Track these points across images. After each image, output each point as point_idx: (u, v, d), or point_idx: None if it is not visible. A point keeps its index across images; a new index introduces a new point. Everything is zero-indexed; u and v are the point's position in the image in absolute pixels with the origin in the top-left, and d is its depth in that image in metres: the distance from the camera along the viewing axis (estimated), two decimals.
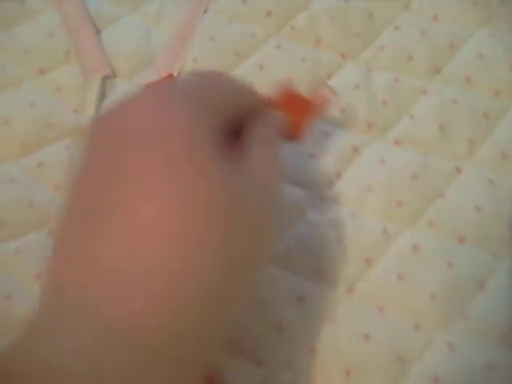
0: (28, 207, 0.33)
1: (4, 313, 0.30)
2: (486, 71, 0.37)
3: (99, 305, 0.16)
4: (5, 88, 0.38)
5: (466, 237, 0.32)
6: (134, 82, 0.38)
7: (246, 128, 0.22)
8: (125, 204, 0.17)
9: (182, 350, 0.17)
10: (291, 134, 0.27)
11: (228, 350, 0.28)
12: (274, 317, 0.29)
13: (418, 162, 0.34)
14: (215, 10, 0.40)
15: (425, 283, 0.30)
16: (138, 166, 0.17)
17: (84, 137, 0.19)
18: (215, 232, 0.17)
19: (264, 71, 0.37)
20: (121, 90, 0.38)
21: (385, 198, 0.33)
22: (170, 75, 0.37)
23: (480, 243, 0.32)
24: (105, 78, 0.38)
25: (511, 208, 0.32)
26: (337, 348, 0.29)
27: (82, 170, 0.18)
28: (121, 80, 0.38)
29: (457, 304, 0.30)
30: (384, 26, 0.39)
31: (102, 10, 0.41)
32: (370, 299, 0.30)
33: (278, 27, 0.39)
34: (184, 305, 0.16)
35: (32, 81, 0.38)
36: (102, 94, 0.37)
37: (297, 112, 0.27)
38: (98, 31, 0.40)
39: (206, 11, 0.40)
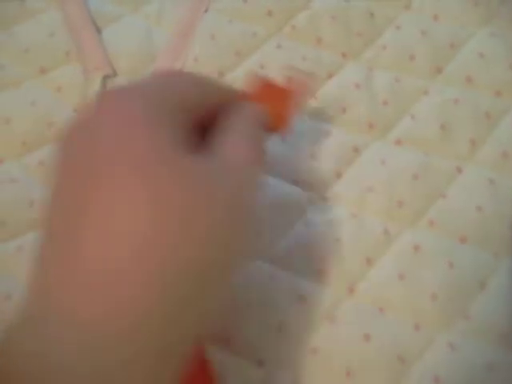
0: (28, 207, 0.33)
1: (4, 313, 0.30)
2: (487, 71, 0.37)
3: (75, 306, 0.16)
4: (5, 87, 0.38)
5: (467, 237, 0.32)
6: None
7: (219, 123, 0.22)
8: (99, 207, 0.17)
9: (156, 351, 0.17)
10: (275, 124, 0.26)
11: (228, 350, 0.28)
12: (274, 317, 0.29)
13: (419, 162, 0.34)
14: (216, 9, 0.40)
15: (426, 283, 0.30)
16: (107, 170, 0.17)
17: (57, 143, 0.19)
18: (186, 231, 0.17)
19: (265, 71, 0.37)
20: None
21: (386, 198, 0.33)
22: None
23: (481, 243, 0.32)
24: (106, 78, 0.38)
25: None
26: (337, 348, 0.29)
27: (59, 175, 0.19)
28: (122, 79, 0.38)
29: (458, 304, 0.30)
30: (385, 26, 0.39)
31: (102, 10, 0.41)
32: (371, 299, 0.30)
33: (278, 27, 0.39)
34: (158, 306, 0.16)
35: (32, 80, 0.38)
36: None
37: (275, 102, 0.26)
38: (98, 30, 0.40)
39: (206, 10, 0.40)
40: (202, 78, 0.23)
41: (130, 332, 0.16)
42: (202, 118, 0.21)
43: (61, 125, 0.36)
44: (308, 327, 0.29)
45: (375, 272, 0.31)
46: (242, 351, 0.28)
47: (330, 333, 0.29)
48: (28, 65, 0.39)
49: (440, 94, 0.36)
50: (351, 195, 0.33)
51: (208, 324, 0.20)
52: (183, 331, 0.18)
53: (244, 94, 0.26)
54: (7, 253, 0.32)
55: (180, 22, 0.40)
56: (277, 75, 0.27)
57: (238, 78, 0.37)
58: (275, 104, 0.26)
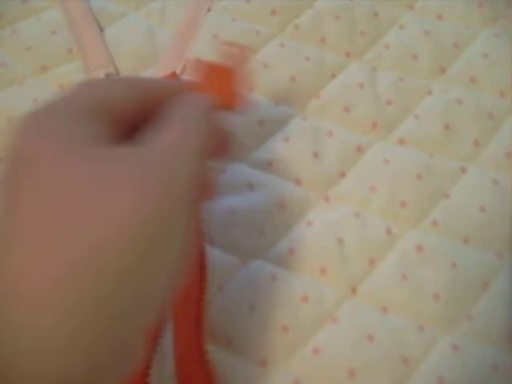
0: None
1: None
2: (491, 71, 0.37)
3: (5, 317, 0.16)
4: (8, 85, 0.38)
5: (470, 237, 0.32)
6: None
7: (158, 115, 0.22)
8: (29, 221, 0.17)
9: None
10: (228, 103, 0.25)
11: (230, 350, 0.28)
12: (276, 317, 0.29)
13: (422, 162, 0.34)
14: (219, 9, 0.40)
15: (429, 284, 0.30)
16: (35, 183, 0.17)
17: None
18: (89, 217, 0.17)
19: (268, 70, 0.37)
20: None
21: (389, 198, 0.33)
22: (173, 73, 0.37)
23: (484, 244, 0.31)
24: (108, 76, 0.38)
25: None
26: (340, 348, 0.28)
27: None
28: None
29: (461, 305, 0.30)
30: (389, 26, 0.39)
31: (105, 8, 0.41)
32: (374, 300, 0.30)
33: (282, 26, 0.39)
34: (89, 320, 0.16)
35: (35, 78, 0.38)
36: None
37: (221, 81, 0.25)
38: (101, 29, 0.40)
39: (209, 9, 0.40)
40: (129, 78, 0.23)
41: (59, 349, 0.16)
42: (134, 114, 0.22)
43: None
44: (310, 327, 0.29)
45: (378, 272, 0.31)
46: (244, 351, 0.28)
47: (333, 333, 0.29)
48: (30, 62, 0.38)
49: (444, 94, 0.36)
50: (354, 195, 0.33)
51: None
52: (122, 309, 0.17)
53: (188, 83, 0.25)
54: None
55: (183, 21, 0.40)
56: (215, 54, 0.27)
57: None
58: (221, 83, 0.25)
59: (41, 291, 0.16)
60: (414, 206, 0.32)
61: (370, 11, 0.39)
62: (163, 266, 0.18)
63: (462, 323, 0.29)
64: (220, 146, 0.25)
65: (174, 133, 0.20)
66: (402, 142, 0.35)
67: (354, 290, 0.30)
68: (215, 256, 0.31)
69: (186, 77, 0.25)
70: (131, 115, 0.21)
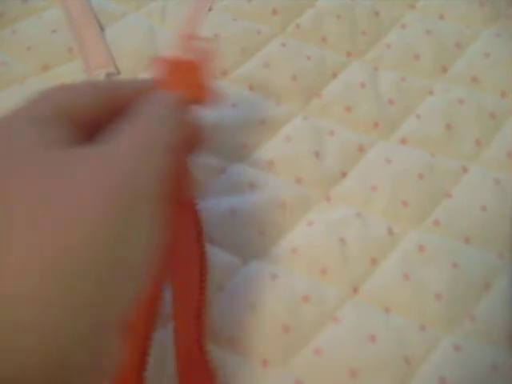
0: None
1: None
2: (492, 71, 0.37)
3: None
4: (8, 84, 0.38)
5: (472, 237, 0.32)
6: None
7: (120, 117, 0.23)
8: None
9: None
10: (195, 98, 0.25)
11: (231, 350, 0.28)
12: (277, 317, 0.29)
13: (424, 162, 0.34)
14: (220, 8, 0.40)
15: (430, 284, 0.30)
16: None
17: None
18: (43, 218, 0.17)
19: (269, 69, 0.37)
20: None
21: (391, 198, 0.33)
22: None
23: (486, 244, 0.31)
24: (108, 75, 0.37)
25: None
26: (342, 349, 0.28)
27: None
28: (125, 77, 0.38)
29: (463, 305, 0.30)
30: (390, 25, 0.39)
31: (106, 8, 0.41)
32: (376, 299, 0.30)
33: (283, 25, 0.39)
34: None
35: (35, 77, 0.38)
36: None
37: (187, 76, 0.26)
38: (101, 28, 0.40)
39: (210, 9, 0.40)
40: (93, 82, 0.24)
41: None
42: (99, 116, 0.22)
43: None
44: (312, 327, 0.29)
45: (380, 272, 0.30)
46: (245, 351, 0.28)
47: (334, 333, 0.29)
48: (31, 62, 0.38)
49: (445, 94, 0.36)
50: (356, 195, 0.33)
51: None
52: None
53: (154, 81, 0.25)
54: None
55: (184, 21, 0.40)
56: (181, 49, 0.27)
57: (242, 75, 0.37)
58: (186, 78, 0.25)
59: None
60: (416, 205, 0.32)
61: (371, 11, 0.39)
62: (128, 261, 0.18)
63: (464, 323, 0.29)
64: (192, 139, 0.25)
65: (135, 130, 0.20)
66: (403, 141, 0.35)
67: (355, 290, 0.30)
68: (216, 256, 0.31)
69: (152, 74, 0.25)
70: (96, 117, 0.22)
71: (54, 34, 0.39)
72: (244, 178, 0.33)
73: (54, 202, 0.17)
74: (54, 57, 0.39)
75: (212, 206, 0.32)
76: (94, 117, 0.22)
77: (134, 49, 0.39)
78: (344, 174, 0.34)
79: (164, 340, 0.28)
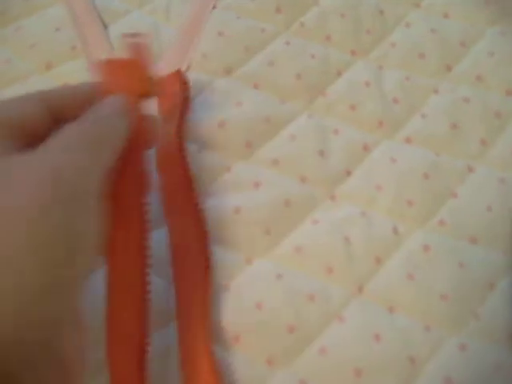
0: None
1: None
2: (497, 70, 0.37)
3: None
4: (12, 82, 0.37)
5: (477, 237, 0.31)
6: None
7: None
8: None
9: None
10: (142, 93, 0.26)
11: (237, 349, 0.28)
12: (282, 316, 0.29)
13: (429, 161, 0.34)
14: (224, 6, 0.40)
15: (435, 283, 0.30)
16: None
17: None
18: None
19: (273, 68, 0.37)
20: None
21: (395, 197, 0.32)
22: (178, 71, 0.37)
23: (491, 243, 0.31)
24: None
25: None
26: (347, 348, 0.28)
27: None
28: None
29: (468, 304, 0.29)
30: (395, 24, 0.39)
31: (109, 5, 0.41)
32: (380, 299, 0.30)
33: (287, 23, 0.39)
34: None
35: (39, 75, 0.38)
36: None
37: (128, 75, 0.26)
38: (105, 26, 0.40)
39: (214, 7, 0.40)
40: (40, 93, 0.25)
41: None
42: (48, 125, 0.23)
43: None
44: (317, 327, 0.29)
45: (385, 271, 0.30)
46: (250, 351, 0.28)
47: (339, 332, 0.29)
48: (34, 60, 0.38)
49: (450, 93, 0.36)
50: (361, 194, 0.33)
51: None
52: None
53: (98, 84, 0.26)
54: None
55: (188, 18, 0.40)
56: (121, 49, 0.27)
57: (246, 73, 0.37)
58: (129, 76, 0.26)
59: None
60: (421, 205, 0.32)
61: (375, 9, 0.39)
62: (74, 255, 0.20)
63: (469, 323, 0.29)
64: (143, 135, 0.26)
65: (67, 132, 0.22)
66: (408, 140, 0.34)
67: (360, 289, 0.30)
68: (220, 255, 0.31)
69: (95, 79, 0.26)
70: (45, 125, 0.23)
71: (58, 31, 0.39)
72: (248, 177, 0.33)
73: None
74: (57, 55, 0.38)
75: (216, 204, 0.32)
76: (39, 126, 0.23)
77: None
78: (349, 173, 0.33)
79: (167, 340, 0.28)
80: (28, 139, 0.22)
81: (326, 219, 0.32)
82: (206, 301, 0.28)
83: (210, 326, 0.28)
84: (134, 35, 0.27)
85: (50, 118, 0.24)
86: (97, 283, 0.25)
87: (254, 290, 0.30)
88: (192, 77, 0.37)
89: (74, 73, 0.38)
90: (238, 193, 0.33)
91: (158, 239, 0.31)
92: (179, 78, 0.36)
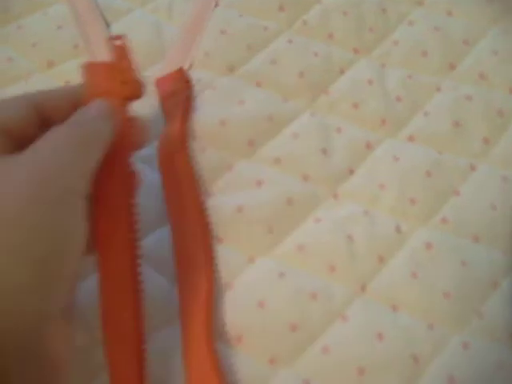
0: None
1: None
2: (500, 68, 0.37)
3: None
4: (13, 81, 0.37)
5: (480, 235, 0.31)
6: (144, 76, 0.37)
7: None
8: None
9: None
10: (130, 94, 0.27)
11: (239, 348, 0.28)
12: (285, 315, 0.29)
13: (432, 159, 0.33)
14: (226, 4, 0.40)
15: (438, 282, 0.30)
16: None
17: None
18: None
19: (276, 66, 0.37)
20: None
21: (398, 196, 0.32)
22: (181, 69, 0.37)
23: (494, 242, 0.31)
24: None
25: None
26: (350, 347, 0.28)
27: None
28: None
29: (471, 303, 0.29)
30: (397, 22, 0.39)
31: (111, 3, 0.41)
32: (383, 298, 0.30)
33: (290, 22, 0.39)
34: None
35: (40, 74, 0.38)
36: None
37: (111, 78, 0.26)
38: (107, 24, 0.40)
39: (217, 5, 0.40)
40: (25, 97, 0.25)
41: None
42: (34, 128, 0.24)
43: None
44: (320, 325, 0.29)
45: (387, 270, 0.30)
46: (253, 349, 0.28)
47: (342, 331, 0.29)
48: (36, 58, 0.38)
49: (453, 91, 0.36)
50: (363, 192, 0.33)
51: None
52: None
53: (81, 87, 0.26)
54: None
55: (190, 17, 0.40)
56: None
57: (248, 72, 0.37)
58: (114, 79, 0.26)
59: None
60: (424, 203, 0.32)
61: (378, 7, 0.39)
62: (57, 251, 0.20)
63: (472, 321, 0.29)
64: (129, 136, 0.26)
65: (53, 134, 0.22)
66: (411, 138, 0.34)
67: (363, 288, 0.30)
68: (223, 253, 0.31)
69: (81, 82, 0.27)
70: (33, 127, 0.24)
71: (60, 30, 0.39)
72: (251, 176, 0.33)
73: None
74: (59, 53, 0.38)
75: (219, 203, 0.32)
76: (27, 128, 0.24)
77: (140, 45, 0.38)
78: (351, 171, 0.33)
79: (170, 339, 0.28)
80: (16, 141, 0.23)
81: (329, 218, 0.32)
82: (208, 299, 0.28)
83: (212, 324, 0.28)
84: (116, 38, 0.27)
85: (37, 119, 0.24)
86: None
87: (256, 288, 0.30)
88: (194, 75, 0.37)
89: (76, 71, 0.37)
90: (241, 191, 0.33)
91: (161, 238, 0.31)
92: (181, 76, 0.36)
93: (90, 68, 0.27)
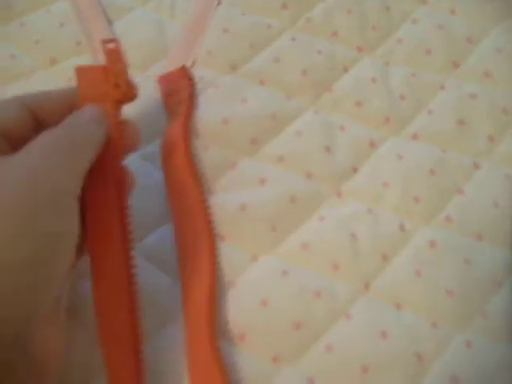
0: None
1: None
2: (504, 66, 0.37)
3: None
4: (16, 78, 0.37)
5: (483, 233, 0.31)
6: (146, 74, 0.37)
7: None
8: None
9: None
10: (123, 98, 0.27)
11: (242, 346, 0.28)
12: (289, 313, 0.29)
13: (435, 158, 0.33)
14: (229, 2, 0.40)
15: (442, 280, 0.30)
16: None
17: None
18: None
19: (279, 64, 0.37)
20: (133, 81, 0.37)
21: (402, 194, 0.32)
22: (183, 67, 0.37)
23: (498, 240, 0.31)
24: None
25: None
26: (353, 345, 0.28)
27: None
28: (133, 72, 0.37)
29: (475, 302, 0.29)
30: (401, 20, 0.39)
31: (114, 1, 0.41)
32: (387, 296, 0.29)
33: (293, 19, 0.39)
34: None
35: (43, 71, 0.38)
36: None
37: (104, 82, 0.27)
38: (110, 22, 0.40)
39: (219, 3, 0.40)
40: (21, 99, 0.25)
41: None
42: (30, 129, 0.25)
43: None
44: (323, 324, 0.29)
45: (391, 268, 0.30)
46: (256, 348, 0.28)
47: (346, 329, 0.28)
48: (39, 55, 0.38)
49: (457, 89, 0.36)
50: (367, 190, 0.33)
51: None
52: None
53: (76, 92, 0.27)
54: None
55: (193, 15, 0.39)
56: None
57: (251, 70, 0.37)
58: (106, 83, 0.27)
59: None
60: (427, 201, 0.32)
61: (381, 5, 0.39)
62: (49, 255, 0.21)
63: (475, 320, 0.29)
64: (121, 139, 0.27)
65: (45, 136, 0.23)
66: (415, 137, 0.34)
67: (367, 286, 0.30)
68: (226, 251, 0.30)
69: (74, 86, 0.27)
70: (28, 129, 0.24)
71: (62, 27, 0.39)
72: (254, 174, 0.33)
73: None
74: (61, 50, 0.38)
75: (222, 201, 0.32)
76: (21, 129, 0.24)
77: (142, 43, 0.39)
78: (355, 170, 0.33)
79: (173, 337, 0.28)
80: (13, 142, 0.24)
81: (333, 216, 0.32)
82: (211, 298, 0.28)
83: (215, 323, 0.28)
84: (109, 41, 0.28)
85: (32, 121, 0.25)
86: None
87: (259, 286, 0.30)
88: (197, 73, 0.37)
89: None
90: (244, 189, 0.33)
91: (164, 236, 0.31)
92: (184, 74, 0.36)
93: (83, 71, 0.27)
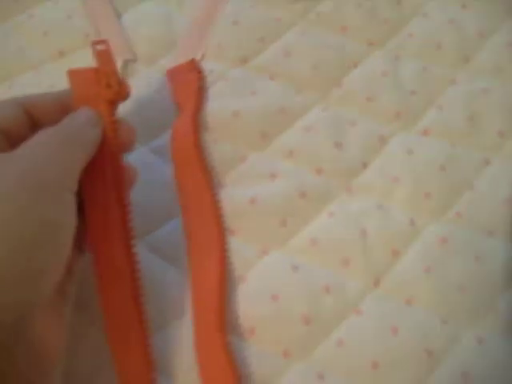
0: None
1: None
2: None
3: None
4: (24, 70, 0.37)
5: (494, 230, 0.31)
6: (155, 67, 0.37)
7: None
8: None
9: None
10: (115, 98, 0.27)
11: (253, 341, 0.28)
12: (299, 308, 0.29)
13: (446, 153, 0.33)
14: None
15: (453, 276, 0.30)
16: None
17: None
18: None
19: (289, 58, 0.37)
20: (142, 74, 0.37)
21: (412, 189, 0.32)
22: (193, 60, 0.36)
23: (509, 236, 0.31)
24: (125, 62, 0.37)
25: None
26: (364, 340, 0.28)
27: None
28: (142, 64, 0.37)
29: (486, 298, 0.29)
30: (412, 14, 0.38)
31: None
32: (397, 292, 0.29)
33: (303, 13, 0.39)
34: None
35: (51, 63, 0.38)
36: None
37: (97, 83, 0.27)
38: (118, 15, 0.39)
39: None
40: (18, 99, 0.26)
41: None
42: (28, 129, 0.25)
43: None
44: (333, 319, 0.29)
45: (401, 264, 0.30)
46: (266, 342, 0.28)
47: (356, 325, 0.28)
48: (47, 48, 0.38)
49: (468, 84, 0.36)
50: (377, 186, 0.32)
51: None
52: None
53: (65, 92, 0.27)
54: None
55: (201, 7, 0.39)
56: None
57: (261, 64, 0.37)
58: (98, 84, 0.27)
59: None
60: (438, 197, 0.32)
61: None
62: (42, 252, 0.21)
63: (486, 316, 0.29)
64: (116, 138, 0.27)
65: (42, 133, 0.23)
66: (425, 132, 0.34)
67: (377, 282, 0.30)
68: (236, 246, 0.30)
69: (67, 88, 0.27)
70: (25, 128, 0.25)
71: (70, 19, 0.39)
72: (264, 168, 0.33)
73: None
74: (70, 43, 0.38)
75: (231, 195, 0.32)
76: (18, 128, 0.25)
77: (151, 35, 0.38)
78: (365, 165, 0.33)
79: (182, 331, 0.28)
80: (11, 140, 0.24)
81: (342, 211, 0.32)
82: (221, 292, 0.28)
83: (225, 317, 0.28)
84: (99, 42, 0.28)
85: (27, 120, 0.26)
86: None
87: (269, 281, 0.29)
88: (206, 66, 0.37)
89: (87, 61, 0.37)
90: (254, 183, 0.32)
91: (173, 229, 0.31)
92: (194, 67, 0.36)
93: (75, 74, 0.27)
